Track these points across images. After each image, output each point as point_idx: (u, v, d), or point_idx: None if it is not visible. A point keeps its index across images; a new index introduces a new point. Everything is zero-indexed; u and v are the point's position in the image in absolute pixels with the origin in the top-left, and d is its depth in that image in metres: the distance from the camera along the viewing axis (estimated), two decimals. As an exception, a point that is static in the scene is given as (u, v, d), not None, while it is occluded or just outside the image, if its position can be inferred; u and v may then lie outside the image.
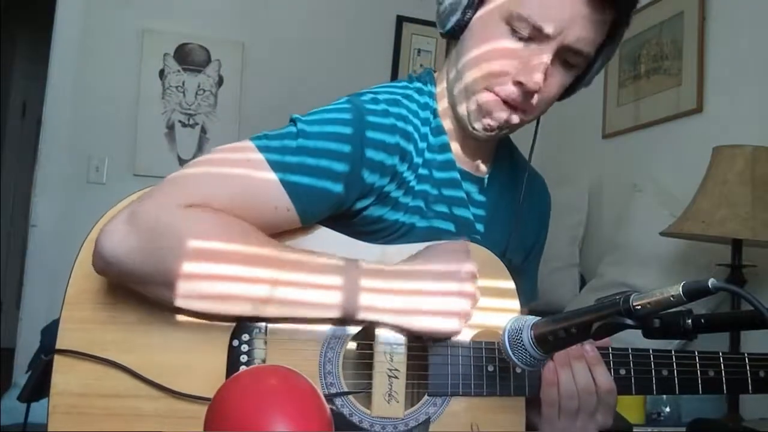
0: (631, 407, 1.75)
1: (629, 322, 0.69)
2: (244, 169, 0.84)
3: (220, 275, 0.79)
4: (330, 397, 0.82)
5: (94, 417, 0.80)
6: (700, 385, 0.90)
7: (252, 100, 3.12)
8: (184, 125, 3.09)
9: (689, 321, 0.71)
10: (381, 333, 0.85)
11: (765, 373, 0.91)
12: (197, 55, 3.11)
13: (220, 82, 3.13)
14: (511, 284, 0.91)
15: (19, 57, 5.20)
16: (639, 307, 0.68)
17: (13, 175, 5.03)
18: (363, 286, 0.83)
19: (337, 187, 0.87)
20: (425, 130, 0.97)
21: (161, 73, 3.06)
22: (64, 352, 0.81)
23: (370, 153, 0.88)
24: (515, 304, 0.90)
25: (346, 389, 0.84)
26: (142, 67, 3.04)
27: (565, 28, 0.88)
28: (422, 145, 0.97)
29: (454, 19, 0.94)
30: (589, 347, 0.87)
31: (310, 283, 0.82)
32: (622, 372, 0.89)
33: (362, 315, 0.83)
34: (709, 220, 1.85)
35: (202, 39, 3.11)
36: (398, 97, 0.95)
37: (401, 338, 0.86)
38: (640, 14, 2.68)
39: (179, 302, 0.79)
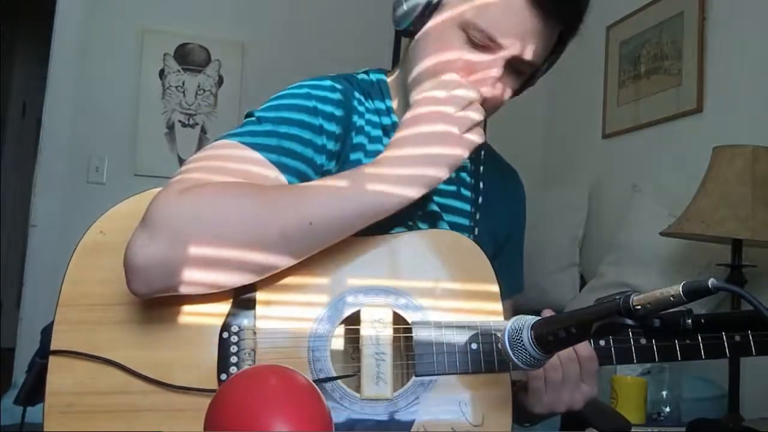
0: (631, 407, 1.75)
1: (629, 322, 0.69)
2: (226, 156, 0.89)
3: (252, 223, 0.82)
4: (320, 382, 0.84)
5: (89, 414, 0.81)
6: (678, 352, 0.91)
7: (252, 100, 3.09)
8: (184, 125, 3.09)
9: (689, 321, 0.71)
10: (366, 317, 0.88)
11: (741, 337, 0.91)
12: (197, 55, 3.12)
13: (220, 82, 3.14)
14: (489, 269, 0.93)
15: (19, 57, 5.20)
16: (639, 307, 0.68)
17: (13, 175, 5.03)
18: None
19: (308, 151, 0.92)
20: (377, 132, 1.01)
21: (161, 73, 3.07)
22: (58, 353, 0.82)
23: (326, 124, 0.94)
24: (494, 287, 0.92)
25: (335, 375, 0.86)
26: (142, 67, 3.04)
27: (517, 40, 0.91)
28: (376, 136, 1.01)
29: (409, 21, 0.97)
30: None
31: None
32: (602, 343, 0.90)
33: (370, 185, 0.85)
34: (709, 220, 1.85)
35: (202, 39, 3.11)
36: (350, 87, 1.00)
37: (387, 319, 0.88)
38: (640, 14, 2.68)
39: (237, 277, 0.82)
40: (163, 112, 3.07)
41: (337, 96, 0.97)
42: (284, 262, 0.84)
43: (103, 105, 2.99)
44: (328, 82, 0.98)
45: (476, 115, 0.87)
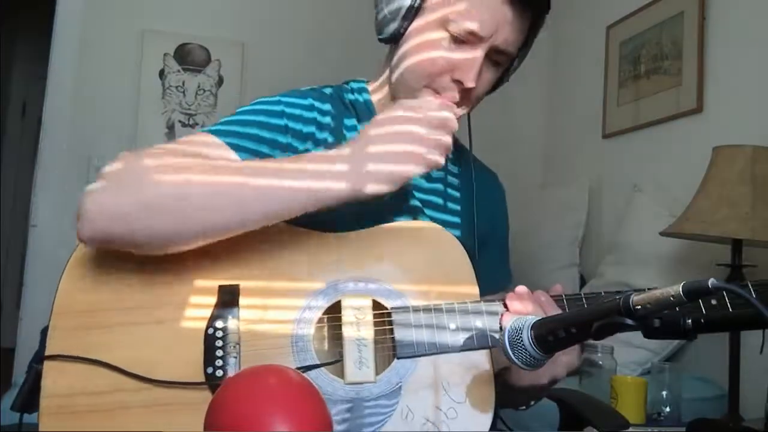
0: (631, 407, 1.75)
1: (629, 322, 0.69)
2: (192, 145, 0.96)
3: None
4: (304, 370, 0.86)
5: (81, 414, 0.84)
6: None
7: (252, 100, 3.11)
8: (184, 125, 3.09)
9: (689, 321, 0.71)
10: (347, 305, 0.91)
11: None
12: (197, 55, 3.11)
13: (220, 82, 3.14)
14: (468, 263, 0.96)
15: (19, 57, 5.20)
16: (639, 307, 0.68)
17: (13, 175, 5.03)
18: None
19: (281, 138, 0.99)
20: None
21: (161, 73, 3.07)
22: (52, 357, 0.85)
23: (293, 124, 1.03)
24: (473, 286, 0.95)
25: (318, 363, 0.88)
26: (142, 67, 3.04)
27: (494, 31, 0.99)
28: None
29: (393, 27, 1.02)
30: (542, 295, 0.92)
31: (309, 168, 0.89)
32: None
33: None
34: (709, 220, 1.85)
35: (202, 39, 3.11)
36: (329, 98, 1.07)
37: (367, 307, 0.91)
38: (640, 14, 2.68)
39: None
40: (163, 112, 3.07)
41: (313, 115, 1.03)
42: (227, 218, 0.86)
43: (103, 105, 2.98)
44: (308, 101, 1.04)
45: (446, 138, 0.89)
